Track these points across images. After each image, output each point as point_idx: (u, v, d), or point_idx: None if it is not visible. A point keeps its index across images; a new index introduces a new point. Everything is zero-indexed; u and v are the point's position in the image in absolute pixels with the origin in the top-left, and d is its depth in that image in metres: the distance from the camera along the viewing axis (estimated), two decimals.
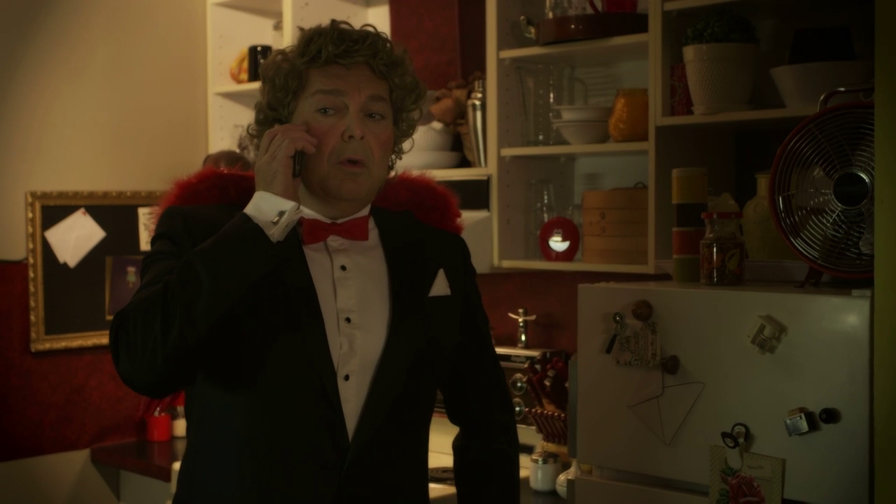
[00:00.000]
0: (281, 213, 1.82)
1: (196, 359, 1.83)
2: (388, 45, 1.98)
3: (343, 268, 1.96)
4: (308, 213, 1.97)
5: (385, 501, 1.96)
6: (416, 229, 2.10)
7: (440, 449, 2.48)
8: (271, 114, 1.98)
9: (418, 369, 1.98)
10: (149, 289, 1.81)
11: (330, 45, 1.93)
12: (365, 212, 2.02)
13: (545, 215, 3.44)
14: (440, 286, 2.04)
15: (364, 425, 1.91)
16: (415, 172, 2.24)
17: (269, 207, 1.83)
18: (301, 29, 2.01)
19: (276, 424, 1.89)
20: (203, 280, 1.77)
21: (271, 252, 1.82)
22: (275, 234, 1.82)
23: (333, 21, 1.99)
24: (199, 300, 1.77)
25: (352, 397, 1.91)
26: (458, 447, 2.19)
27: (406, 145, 2.09)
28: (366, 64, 1.95)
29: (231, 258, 1.79)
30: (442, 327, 2.03)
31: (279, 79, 1.96)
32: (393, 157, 2.06)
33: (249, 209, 1.83)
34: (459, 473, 2.17)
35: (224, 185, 2.04)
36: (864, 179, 2.26)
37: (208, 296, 1.77)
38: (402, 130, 2.05)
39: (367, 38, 1.96)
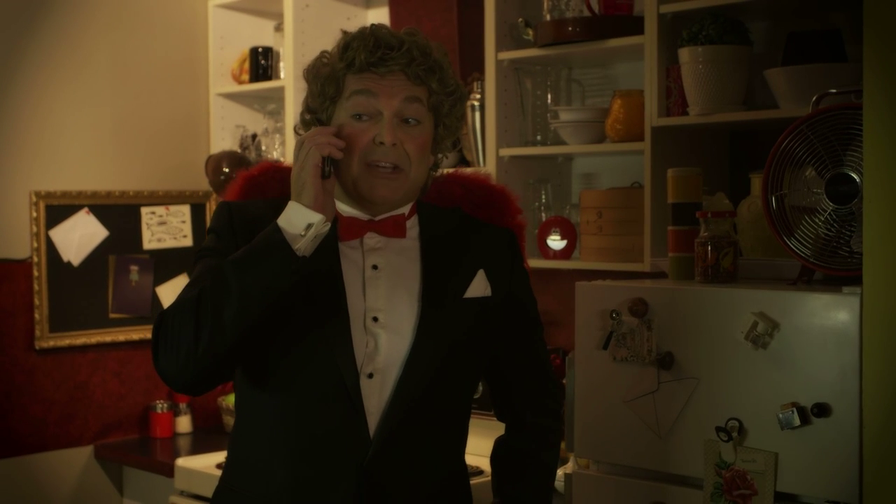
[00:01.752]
0: (308, 226, 1.83)
1: (229, 361, 1.87)
2: (426, 50, 1.95)
3: (375, 267, 1.96)
4: (346, 210, 1.98)
5: (408, 498, 1.94)
6: (462, 227, 2.07)
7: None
8: (312, 116, 1.99)
9: (448, 370, 1.96)
10: (189, 291, 1.85)
11: (364, 53, 1.92)
12: (404, 210, 2.01)
13: (543, 214, 3.46)
14: (478, 287, 2.01)
15: (386, 423, 1.91)
16: (468, 169, 2.24)
17: (298, 219, 1.83)
18: (343, 32, 1.99)
19: (302, 417, 1.92)
20: (232, 289, 1.80)
21: (295, 266, 1.82)
22: (301, 247, 1.83)
23: (373, 25, 1.97)
24: (228, 308, 1.80)
25: (375, 395, 1.91)
26: (497, 441, 2.17)
27: (452, 143, 2.06)
28: (401, 72, 1.93)
29: (258, 270, 1.81)
30: (478, 329, 2.01)
31: (318, 83, 1.97)
32: (439, 155, 2.05)
33: (281, 219, 1.84)
34: (493, 467, 2.16)
35: (283, 177, 2.03)
36: (854, 179, 2.28)
37: (237, 305, 1.80)
38: (444, 132, 2.02)
39: (403, 45, 1.93)
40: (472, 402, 2.11)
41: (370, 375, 1.92)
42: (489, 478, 2.19)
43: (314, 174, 1.85)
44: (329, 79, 1.96)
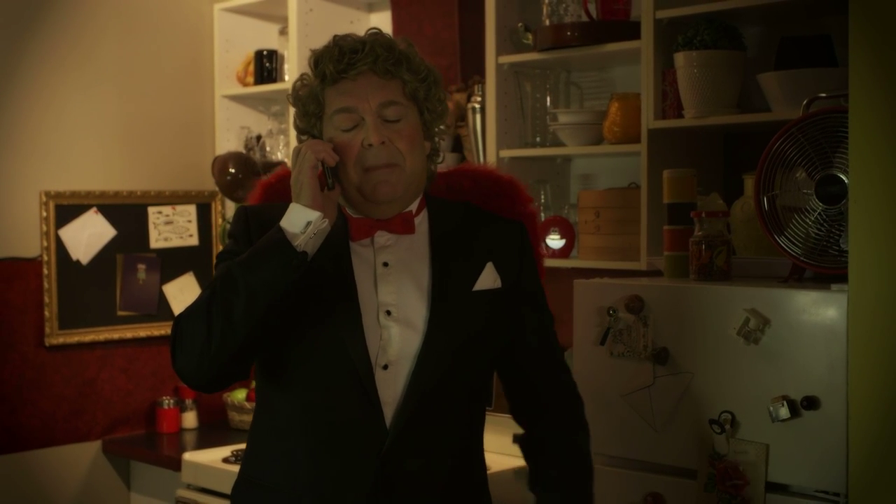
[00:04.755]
0: (307, 224, 1.89)
1: (243, 358, 1.93)
2: (389, 45, 2.01)
3: (385, 264, 2.01)
4: (356, 215, 2.04)
5: (424, 488, 1.99)
6: (471, 220, 2.10)
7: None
8: (305, 136, 2.06)
9: (461, 362, 2.00)
10: (203, 294, 1.92)
11: (331, 64, 1.99)
12: (412, 207, 2.06)
13: (542, 214, 3.48)
14: (488, 279, 2.05)
15: (401, 413, 1.95)
16: (475, 163, 2.28)
17: (298, 218, 1.90)
18: (311, 51, 2.06)
19: (320, 410, 1.97)
20: (240, 288, 1.87)
21: (296, 262, 1.88)
22: (301, 244, 1.89)
23: (336, 37, 2.03)
24: (236, 307, 1.87)
25: (390, 386, 1.96)
26: (522, 440, 2.15)
27: (444, 126, 2.10)
28: (370, 71, 1.99)
29: (262, 268, 1.88)
30: (490, 321, 2.04)
31: (300, 105, 2.04)
32: (436, 140, 2.09)
33: (283, 220, 1.91)
34: (528, 463, 2.14)
35: None
36: (843, 180, 2.32)
37: (244, 303, 1.87)
38: (430, 116, 2.05)
39: (366, 45, 1.99)
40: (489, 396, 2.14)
41: (385, 367, 1.97)
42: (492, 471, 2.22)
43: (311, 175, 1.92)
44: (309, 97, 2.03)
